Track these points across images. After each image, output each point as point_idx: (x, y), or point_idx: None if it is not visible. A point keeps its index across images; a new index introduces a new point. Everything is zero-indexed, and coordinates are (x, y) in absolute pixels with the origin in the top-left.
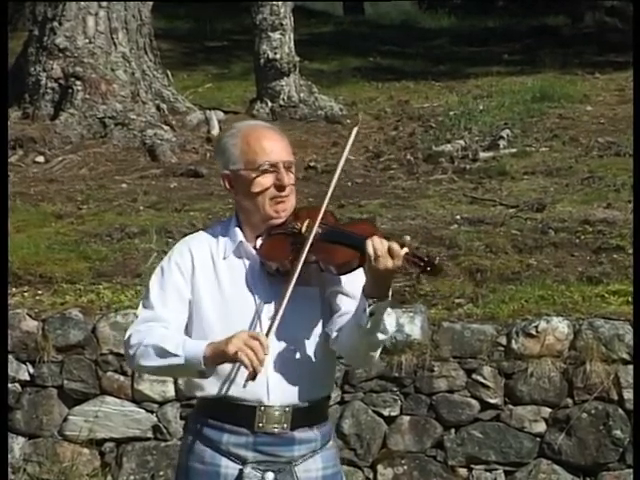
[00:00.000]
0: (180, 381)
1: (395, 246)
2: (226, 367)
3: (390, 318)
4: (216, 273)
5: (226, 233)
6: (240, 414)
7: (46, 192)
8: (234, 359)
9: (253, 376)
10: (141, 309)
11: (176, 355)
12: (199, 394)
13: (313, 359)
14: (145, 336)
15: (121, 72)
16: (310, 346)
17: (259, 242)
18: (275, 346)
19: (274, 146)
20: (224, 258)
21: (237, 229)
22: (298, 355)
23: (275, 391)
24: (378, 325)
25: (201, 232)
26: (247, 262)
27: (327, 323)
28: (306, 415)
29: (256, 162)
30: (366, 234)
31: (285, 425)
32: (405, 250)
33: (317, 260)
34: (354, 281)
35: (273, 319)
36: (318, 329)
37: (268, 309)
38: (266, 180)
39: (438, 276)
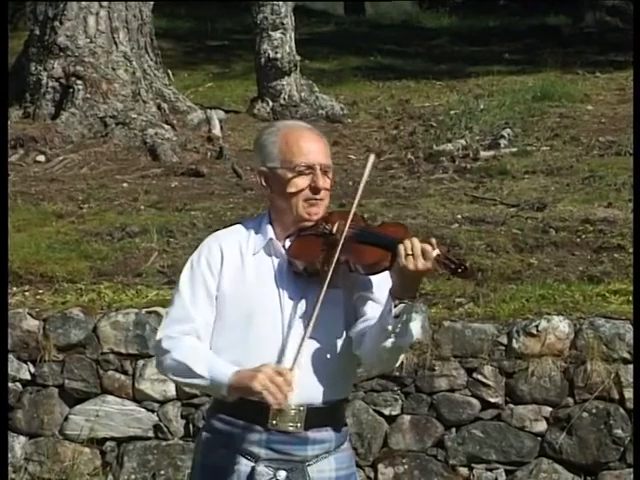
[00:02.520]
0: None
1: (428, 247)
2: (242, 359)
3: (415, 322)
4: (243, 269)
5: (258, 229)
6: (254, 411)
7: (47, 191)
8: (259, 396)
9: (279, 411)
10: (172, 307)
11: (202, 377)
12: None
13: (332, 361)
14: (175, 346)
15: (122, 71)
16: (331, 348)
17: (288, 242)
18: (295, 346)
19: (312, 147)
20: (253, 254)
21: (269, 226)
22: (317, 356)
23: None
24: (403, 328)
25: (233, 227)
26: (275, 260)
27: (350, 327)
28: (321, 416)
29: (293, 162)
30: (397, 236)
31: (299, 424)
32: (437, 252)
33: (347, 260)
34: (381, 287)
35: (299, 350)
36: (340, 332)
37: (291, 308)
38: (302, 181)
39: (469, 279)
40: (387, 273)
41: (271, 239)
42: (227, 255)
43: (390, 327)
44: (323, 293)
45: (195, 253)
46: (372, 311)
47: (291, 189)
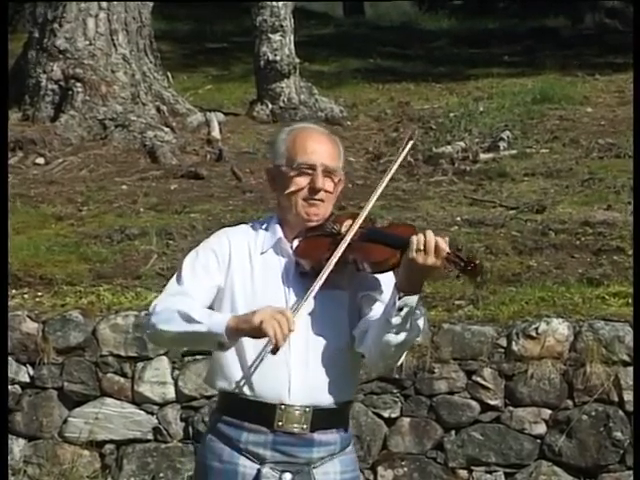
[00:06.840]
0: (181, 383)
1: (441, 243)
2: (248, 358)
3: (420, 318)
4: (251, 267)
5: (267, 229)
6: (260, 412)
7: (46, 194)
8: (259, 329)
9: (275, 349)
10: (171, 284)
11: (200, 322)
12: (220, 384)
13: (338, 362)
14: (172, 304)
15: (121, 74)
16: (336, 349)
17: (296, 242)
18: (301, 346)
19: (317, 148)
20: (262, 253)
21: (277, 226)
22: (323, 357)
23: (296, 390)
24: (407, 321)
25: (242, 225)
26: (283, 260)
27: (355, 327)
28: (327, 417)
29: (295, 160)
30: (407, 235)
31: (305, 426)
32: (447, 250)
33: (354, 259)
34: (386, 287)
35: (300, 302)
36: (345, 333)
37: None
38: (301, 180)
39: (478, 277)
40: (391, 274)
41: (280, 238)
42: (235, 251)
43: (394, 320)
44: (323, 279)
45: (201, 244)
46: (375, 310)
47: (291, 187)
